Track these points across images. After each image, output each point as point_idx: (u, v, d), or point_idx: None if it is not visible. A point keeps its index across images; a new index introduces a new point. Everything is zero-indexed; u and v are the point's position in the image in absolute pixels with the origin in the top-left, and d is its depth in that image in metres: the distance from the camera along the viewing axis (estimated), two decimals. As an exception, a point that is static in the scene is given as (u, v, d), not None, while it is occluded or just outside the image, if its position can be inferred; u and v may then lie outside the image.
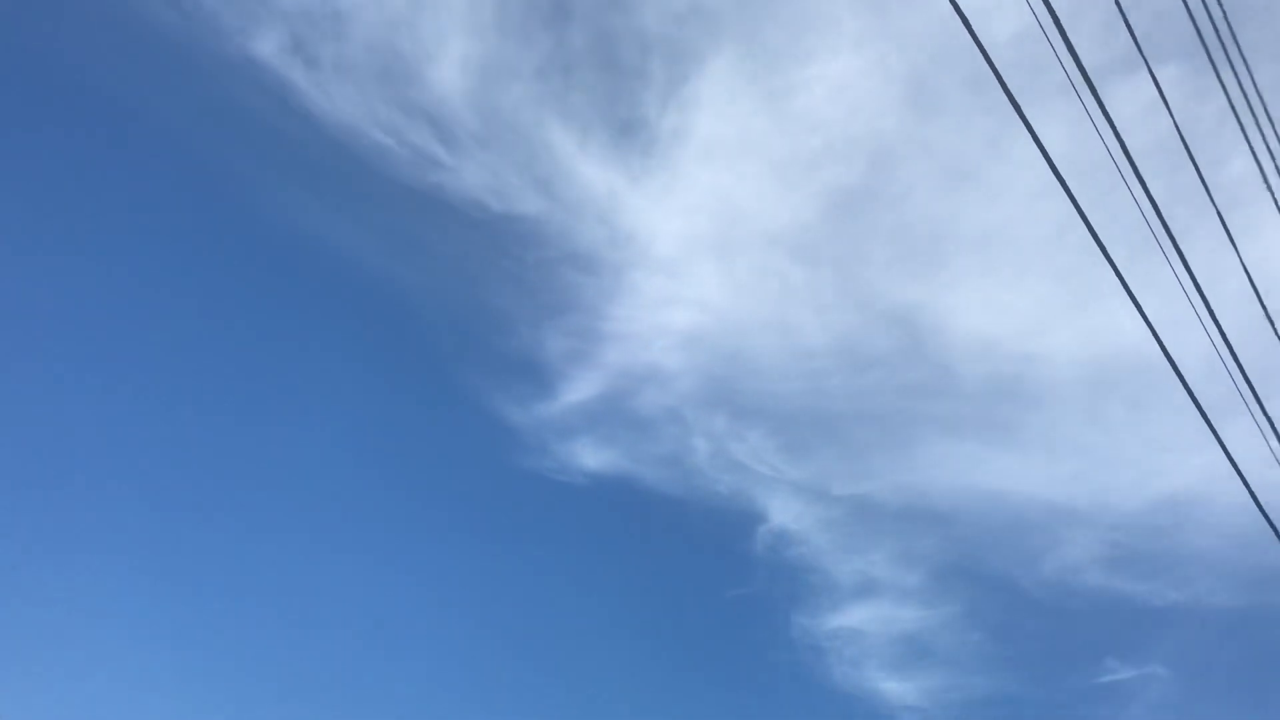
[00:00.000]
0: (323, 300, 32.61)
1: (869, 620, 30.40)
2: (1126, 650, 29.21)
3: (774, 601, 31.51)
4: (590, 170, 28.80)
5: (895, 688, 29.91)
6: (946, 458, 29.71)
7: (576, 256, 30.00)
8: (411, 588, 32.32)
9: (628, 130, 28.70)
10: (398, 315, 32.44)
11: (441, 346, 32.89)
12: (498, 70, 28.41)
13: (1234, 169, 26.36)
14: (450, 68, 28.66)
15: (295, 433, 31.86)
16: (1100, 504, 28.59)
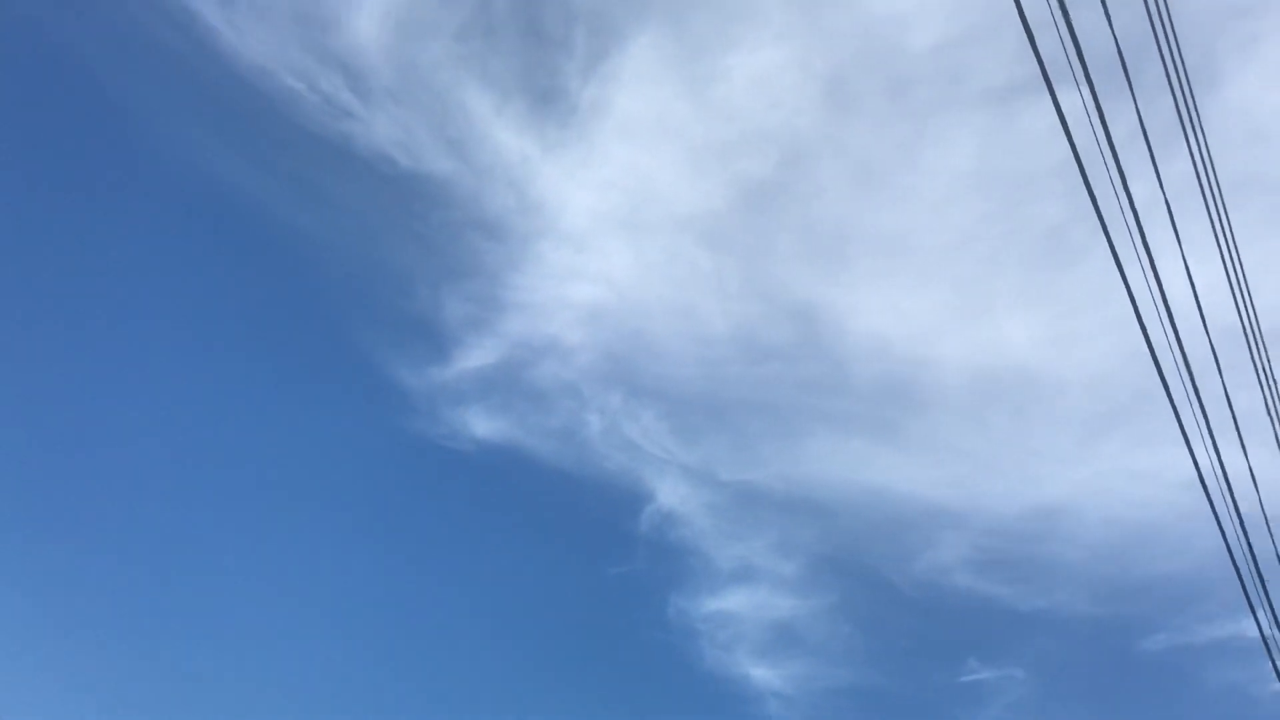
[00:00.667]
0: (218, 240, 31.71)
1: (744, 606, 30.82)
2: (989, 651, 30.13)
3: (653, 581, 31.74)
4: (505, 135, 28.48)
5: (764, 674, 30.40)
6: (833, 452, 30.23)
7: (483, 221, 29.70)
8: (287, 544, 31.76)
9: (546, 99, 28.40)
10: (294, 263, 31.72)
11: (336, 300, 32.28)
12: (418, 26, 27.86)
13: (1138, 191, 27.07)
14: (370, 18, 27.99)
15: (172, 369, 30.98)
16: (976, 508, 29.40)
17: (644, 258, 29.90)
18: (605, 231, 29.70)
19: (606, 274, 29.77)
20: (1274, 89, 24.65)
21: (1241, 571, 6.75)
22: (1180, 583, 28.45)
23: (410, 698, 31.06)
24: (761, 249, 29.64)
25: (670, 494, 30.77)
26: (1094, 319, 27.93)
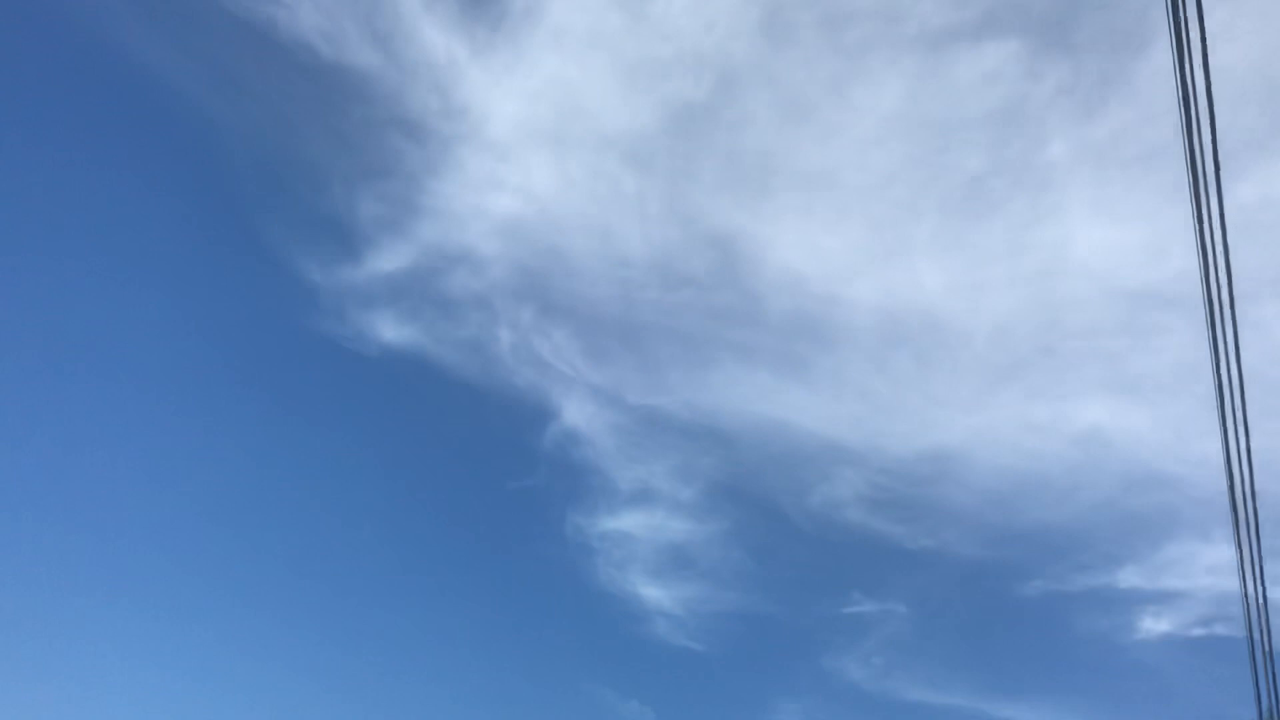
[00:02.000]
0: (125, 118, 30.46)
1: (640, 527, 31.18)
2: (873, 586, 30.94)
3: (553, 498, 31.88)
4: (433, 33, 27.66)
5: (655, 594, 30.88)
6: (740, 383, 30.46)
7: (404, 121, 28.95)
8: (179, 433, 31.09)
9: None
10: (204, 149, 30.63)
11: (246, 190, 31.31)
12: (349, -90, 26.77)
13: (1055, 149, 27.36)
14: (300, -103, 26.82)
15: (65, 243, 29.86)
16: (873, 447, 29.94)
17: (566, 174, 29.49)
18: (529, 143, 29.18)
19: (527, 187, 29.33)
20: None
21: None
22: (1061, 532, 29.46)
23: (301, 597, 30.89)
24: (685, 174, 29.42)
25: (576, 413, 30.80)
26: (1004, 271, 28.39)
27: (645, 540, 31.04)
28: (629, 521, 30.93)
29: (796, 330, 29.43)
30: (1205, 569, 27.34)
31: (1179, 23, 4.79)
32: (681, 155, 29.12)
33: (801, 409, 30.20)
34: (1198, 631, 27.21)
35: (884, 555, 31.19)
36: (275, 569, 31.15)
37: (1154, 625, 27.75)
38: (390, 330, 29.96)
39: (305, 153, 30.59)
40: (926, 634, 30.75)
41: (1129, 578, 28.21)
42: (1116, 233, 27.16)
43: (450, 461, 32.92)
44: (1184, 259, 26.88)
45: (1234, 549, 7.08)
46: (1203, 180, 4.94)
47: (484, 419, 31.96)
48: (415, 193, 28.96)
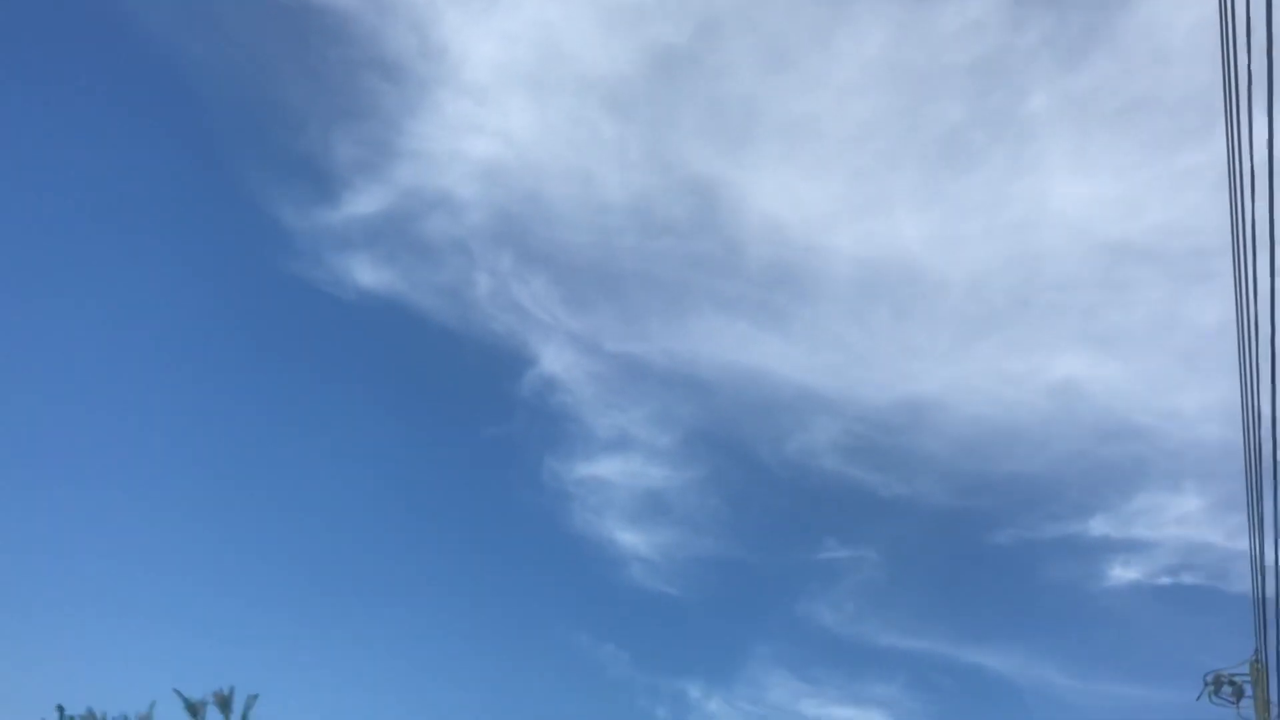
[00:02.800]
0: (101, 61, 29.83)
1: (618, 473, 31.31)
2: (847, 533, 31.27)
3: (529, 444, 31.91)
4: (411, -29, 27.18)
5: (630, 539, 31.10)
6: (719, 331, 30.50)
7: (382, 62, 28.53)
8: (153, 373, 30.82)
9: (459, -62, 27.14)
10: (178, 89, 30.09)
11: (221, 131, 30.82)
12: None
13: (1036, 101, 27.26)
14: None
15: (36, 178, 29.35)
16: (850, 397, 30.13)
17: (546, 118, 29.19)
18: (508, 86, 28.83)
19: (506, 131, 29.01)
20: (1182, 10, 24.94)
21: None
22: (1034, 482, 29.83)
23: (275, 541, 30.87)
24: (666, 120, 29.20)
25: (554, 360, 30.77)
26: (982, 223, 28.47)
27: (622, 486, 31.19)
28: (606, 468, 31.05)
29: (776, 279, 29.45)
30: (1174, 519, 27.84)
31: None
32: (662, 101, 28.90)
33: (779, 357, 30.31)
34: (1164, 580, 27.74)
35: (858, 503, 31.51)
36: (249, 510, 31.09)
37: (1122, 573, 28.26)
38: (367, 274, 29.73)
39: (281, 93, 30.12)
40: (898, 581, 31.16)
41: (1099, 527, 28.67)
42: (1094, 186, 27.25)
43: (426, 407, 32.86)
44: (1161, 212, 27.04)
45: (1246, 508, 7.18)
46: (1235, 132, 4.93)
47: (461, 365, 31.89)
48: (393, 135, 28.61)
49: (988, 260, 28.34)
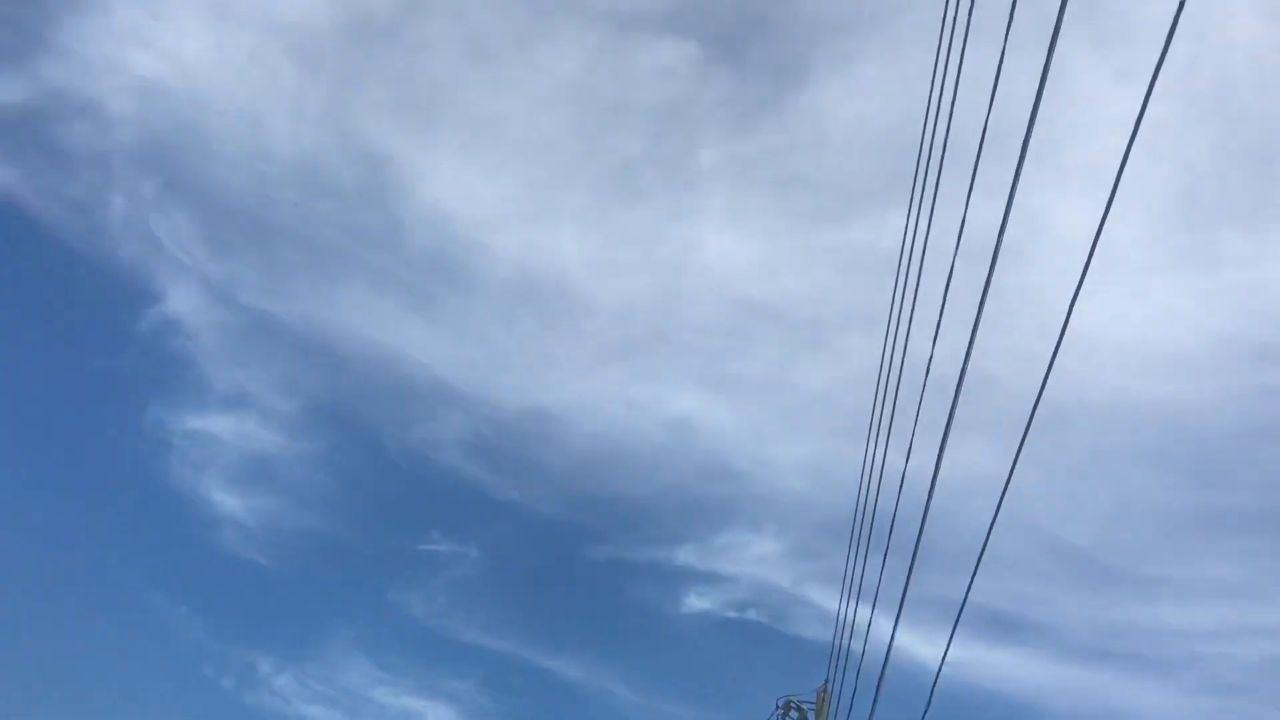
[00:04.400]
0: None
1: (228, 432, 29.88)
2: (453, 527, 31.65)
3: (138, 385, 29.82)
4: None
5: (228, 502, 29.74)
6: (365, 307, 30.01)
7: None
8: None
9: None
10: None
11: None
12: None
13: (706, 155, 28.80)
14: None
15: None
16: (483, 397, 30.60)
17: (223, 49, 27.60)
18: (189, 7, 27.03)
19: (177, 53, 27.15)
20: (848, 102, 27.59)
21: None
22: (637, 505, 31.60)
23: None
24: (352, 84, 28.49)
25: (182, 301, 28.96)
26: (638, 256, 29.95)
27: (230, 446, 29.78)
28: (217, 424, 29.54)
29: (433, 267, 29.45)
30: (753, 558, 30.40)
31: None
32: (352, 64, 28.17)
33: (421, 346, 30.26)
34: (732, 614, 30.22)
35: (470, 500, 31.98)
36: None
37: (697, 602, 30.48)
38: (-17, 167, 26.77)
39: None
40: (494, 581, 31.89)
41: (685, 556, 30.78)
42: (741, 244, 29.45)
43: (30, 322, 29.90)
44: (792, 280, 29.61)
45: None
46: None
47: (78, 286, 29.31)
48: (48, 27, 26.00)
49: (636, 291, 29.82)
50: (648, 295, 29.68)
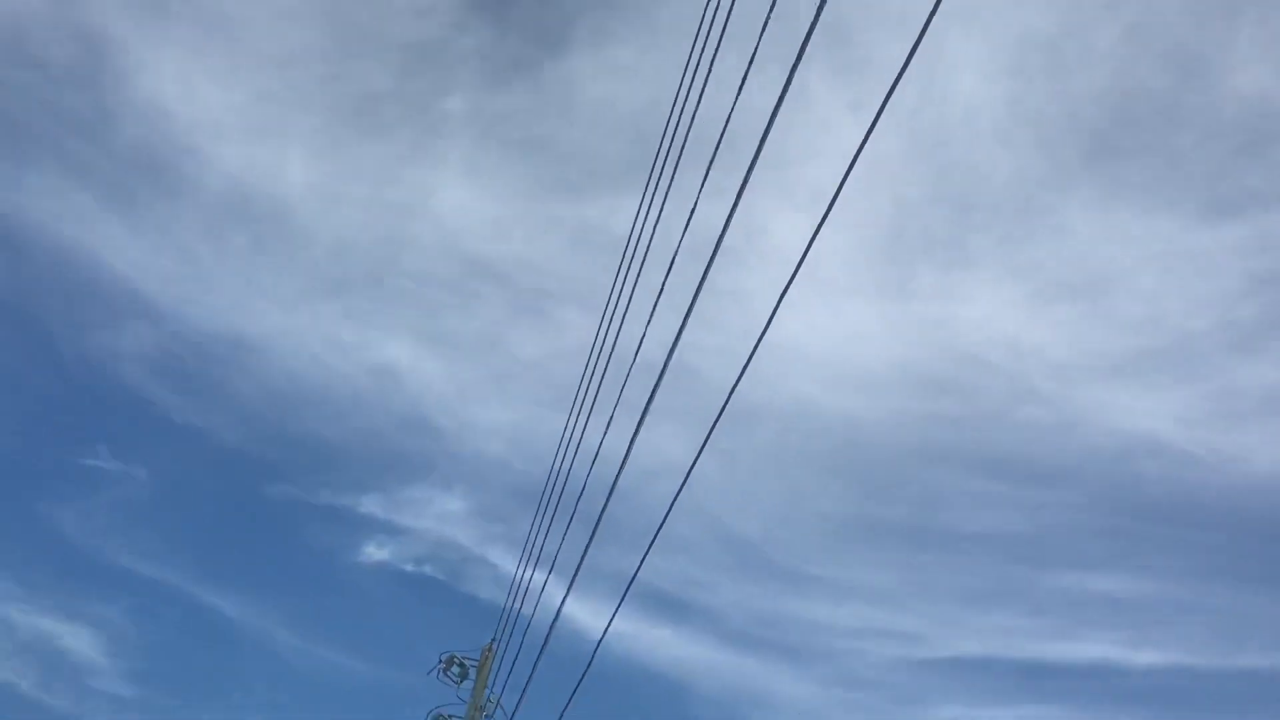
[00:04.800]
0: None
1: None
2: (123, 446, 29.77)
3: None
4: None
5: None
6: (59, 195, 27.62)
7: None
8: None
9: None
10: None
11: None
12: None
13: (453, 102, 28.47)
14: None
15: None
16: (178, 313, 28.90)
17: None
18: None
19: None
20: (612, 79, 27.84)
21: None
22: (328, 448, 30.79)
23: None
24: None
25: None
26: (367, 192, 29.08)
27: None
28: None
29: (142, 165, 27.46)
30: (438, 514, 30.31)
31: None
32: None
33: (116, 247, 28.19)
34: (409, 567, 30.06)
35: (147, 420, 30.13)
36: None
37: (375, 552, 30.11)
38: None
39: None
40: (160, 507, 30.25)
41: (369, 505, 30.31)
42: (479, 200, 29.20)
43: None
44: (523, 245, 29.66)
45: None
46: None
47: None
48: None
49: (360, 228, 29.00)
50: (371, 235, 28.96)
